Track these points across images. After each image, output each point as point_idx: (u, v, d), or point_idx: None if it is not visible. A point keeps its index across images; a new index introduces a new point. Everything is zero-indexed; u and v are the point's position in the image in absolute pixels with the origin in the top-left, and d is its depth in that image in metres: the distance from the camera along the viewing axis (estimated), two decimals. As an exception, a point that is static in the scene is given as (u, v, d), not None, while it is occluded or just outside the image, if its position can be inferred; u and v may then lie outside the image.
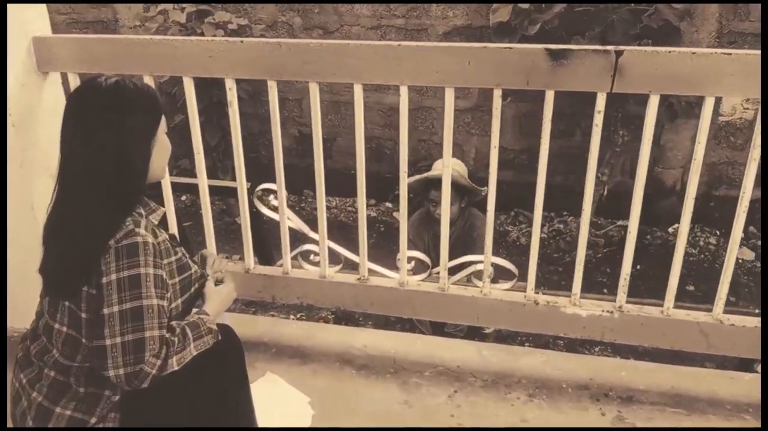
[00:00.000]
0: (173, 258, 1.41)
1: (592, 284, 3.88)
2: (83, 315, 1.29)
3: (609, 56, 1.68)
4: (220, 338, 1.45)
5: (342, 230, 4.72)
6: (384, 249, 4.48)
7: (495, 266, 2.10)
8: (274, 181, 2.11)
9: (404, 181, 1.96)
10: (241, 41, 1.86)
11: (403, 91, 1.84)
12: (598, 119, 1.78)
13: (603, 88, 1.72)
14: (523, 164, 4.53)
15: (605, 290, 3.81)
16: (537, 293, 2.05)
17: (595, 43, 3.58)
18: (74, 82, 2.05)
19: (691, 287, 3.87)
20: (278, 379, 2.03)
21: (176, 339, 1.33)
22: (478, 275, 2.20)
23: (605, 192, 3.87)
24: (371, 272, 2.16)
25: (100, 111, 1.31)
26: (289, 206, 5.14)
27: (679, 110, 3.47)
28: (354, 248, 2.18)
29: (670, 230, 4.38)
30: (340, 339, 2.24)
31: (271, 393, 1.96)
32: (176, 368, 1.31)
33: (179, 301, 1.43)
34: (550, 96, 1.77)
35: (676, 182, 4.37)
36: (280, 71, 1.87)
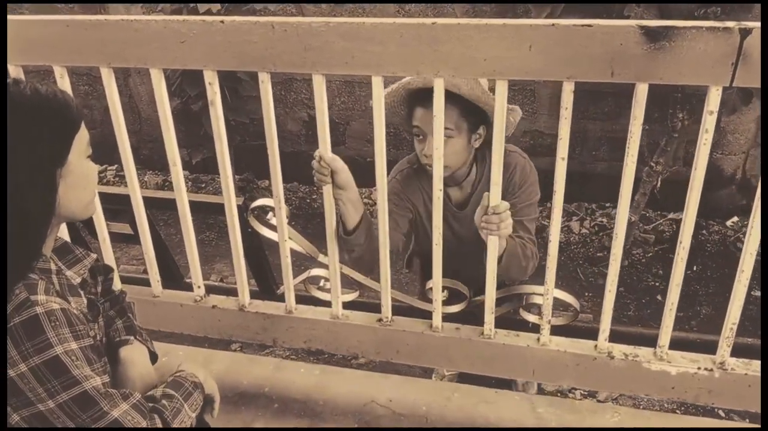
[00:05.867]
0: (92, 333, 1.03)
1: (642, 289, 3.41)
2: None
3: (730, 37, 1.19)
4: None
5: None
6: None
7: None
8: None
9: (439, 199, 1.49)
10: (221, 21, 1.40)
11: (438, 85, 1.36)
12: (710, 122, 1.29)
13: (719, 81, 1.24)
14: (561, 150, 4.01)
15: (659, 297, 3.34)
16: (611, 334, 1.59)
17: (652, 13, 3.05)
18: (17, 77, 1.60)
19: (758, 293, 3.39)
20: (280, 451, 1.61)
21: (166, 402, 1.05)
22: (528, 307, 1.75)
23: (658, 183, 3.37)
24: (396, 305, 1.71)
25: None
26: (299, 199, 4.71)
27: (755, 92, 2.94)
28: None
29: (729, 223, 3.88)
30: (360, 388, 1.81)
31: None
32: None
33: None
34: (642, 91, 1.29)
35: (736, 169, 3.85)
36: (273, 61, 1.41)
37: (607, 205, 4.09)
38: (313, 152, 1.52)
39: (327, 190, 1.56)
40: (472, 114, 1.66)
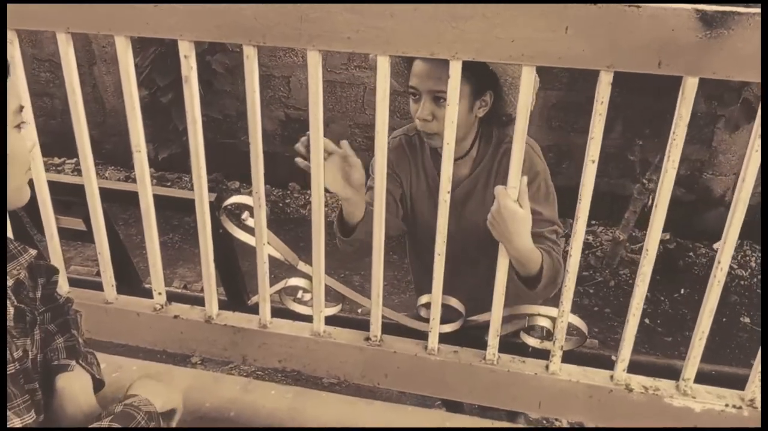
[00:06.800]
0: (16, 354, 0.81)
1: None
2: None
3: (799, 27, 1.03)
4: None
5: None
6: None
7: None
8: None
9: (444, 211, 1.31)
10: (203, -18, 1.19)
11: (455, 68, 1.17)
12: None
13: (780, 79, 1.08)
14: (549, 163, 3.88)
15: (646, 320, 3.20)
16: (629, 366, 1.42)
17: None
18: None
19: (747, 319, 3.28)
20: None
21: None
22: (531, 330, 1.56)
23: (650, 201, 3.25)
24: (385, 323, 1.51)
25: None
26: (272, 203, 4.47)
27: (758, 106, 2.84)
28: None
29: (715, 246, 3.78)
30: (339, 415, 1.60)
31: None
32: None
33: None
34: (691, 87, 1.12)
35: (726, 190, 3.76)
36: (263, 32, 1.20)
37: (593, 222, 3.95)
38: (288, 153, 1.32)
39: (316, 185, 1.36)
40: (476, 76, 1.38)
